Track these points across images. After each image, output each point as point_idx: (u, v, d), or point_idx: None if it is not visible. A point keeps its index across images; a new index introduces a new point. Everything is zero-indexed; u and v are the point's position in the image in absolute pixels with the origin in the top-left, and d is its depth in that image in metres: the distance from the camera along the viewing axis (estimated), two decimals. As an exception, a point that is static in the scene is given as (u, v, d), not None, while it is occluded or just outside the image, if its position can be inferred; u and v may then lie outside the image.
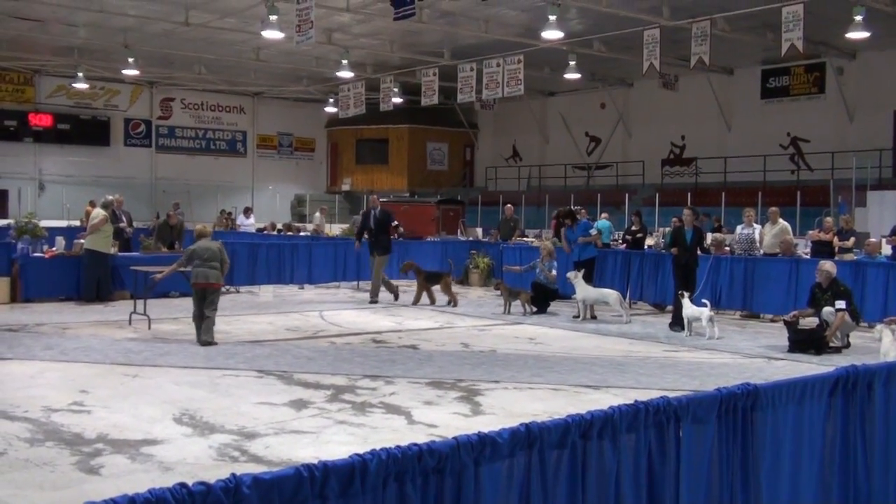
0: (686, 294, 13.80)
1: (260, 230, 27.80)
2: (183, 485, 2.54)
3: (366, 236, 17.65)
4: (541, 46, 24.37)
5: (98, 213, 16.77)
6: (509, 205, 23.80)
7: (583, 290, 15.39)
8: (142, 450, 6.75)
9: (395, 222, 18.69)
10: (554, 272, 16.43)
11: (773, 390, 4.25)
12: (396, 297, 17.55)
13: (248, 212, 28.93)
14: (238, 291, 18.50)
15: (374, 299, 17.38)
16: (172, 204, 22.25)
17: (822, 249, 16.49)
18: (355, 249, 18.35)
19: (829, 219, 17.84)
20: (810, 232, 18.31)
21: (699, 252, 14.79)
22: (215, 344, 11.58)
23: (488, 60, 25.00)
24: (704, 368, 10.90)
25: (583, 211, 21.06)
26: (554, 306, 16.58)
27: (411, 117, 36.91)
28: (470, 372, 10.25)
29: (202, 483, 2.58)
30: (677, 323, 14.17)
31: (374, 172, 39.07)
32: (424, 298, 17.17)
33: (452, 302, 16.96)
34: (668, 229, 18.35)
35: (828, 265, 12.76)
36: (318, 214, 28.05)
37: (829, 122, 27.88)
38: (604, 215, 21.62)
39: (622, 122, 33.97)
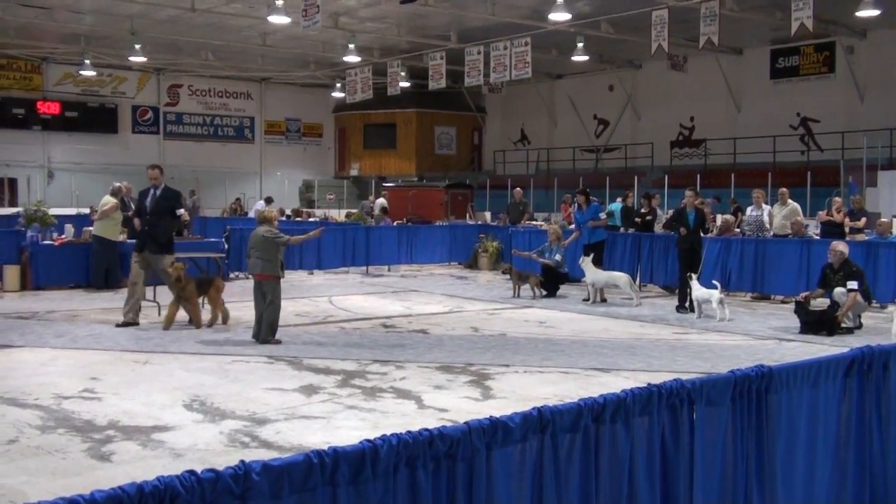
0: (694, 276, 13.76)
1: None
2: (192, 472, 2.51)
3: (137, 225, 12.42)
4: (548, 28, 24.23)
5: (108, 200, 16.77)
6: (518, 188, 23.73)
7: (592, 274, 15.33)
8: (153, 436, 6.75)
9: (182, 210, 12.98)
10: (559, 257, 16.34)
11: (788, 372, 4.20)
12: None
13: (269, 201, 28.79)
14: (248, 277, 18.46)
15: (135, 319, 11.95)
16: (189, 191, 22.10)
17: (833, 230, 16.41)
18: (137, 229, 12.53)
19: (837, 199, 17.74)
20: (820, 213, 18.20)
21: (701, 234, 14.78)
22: (278, 342, 10.70)
23: (496, 43, 24.89)
24: (715, 350, 10.85)
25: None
26: (564, 290, 16.53)
27: (419, 101, 36.79)
28: (480, 356, 10.23)
29: (211, 470, 2.55)
30: (683, 305, 14.16)
31: (383, 157, 39.00)
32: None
33: (222, 318, 12.26)
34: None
35: (841, 245, 12.68)
36: (375, 200, 27.79)
37: (840, 102, 27.67)
38: (619, 199, 21.45)
39: (630, 104, 33.80)
